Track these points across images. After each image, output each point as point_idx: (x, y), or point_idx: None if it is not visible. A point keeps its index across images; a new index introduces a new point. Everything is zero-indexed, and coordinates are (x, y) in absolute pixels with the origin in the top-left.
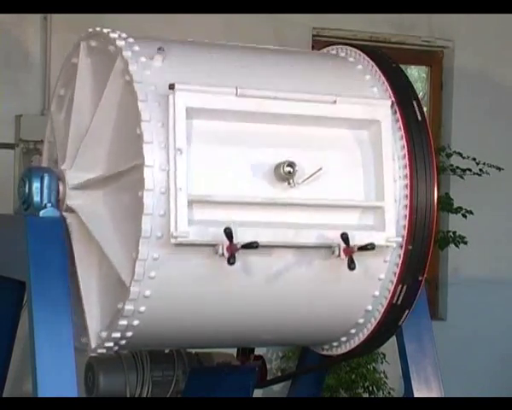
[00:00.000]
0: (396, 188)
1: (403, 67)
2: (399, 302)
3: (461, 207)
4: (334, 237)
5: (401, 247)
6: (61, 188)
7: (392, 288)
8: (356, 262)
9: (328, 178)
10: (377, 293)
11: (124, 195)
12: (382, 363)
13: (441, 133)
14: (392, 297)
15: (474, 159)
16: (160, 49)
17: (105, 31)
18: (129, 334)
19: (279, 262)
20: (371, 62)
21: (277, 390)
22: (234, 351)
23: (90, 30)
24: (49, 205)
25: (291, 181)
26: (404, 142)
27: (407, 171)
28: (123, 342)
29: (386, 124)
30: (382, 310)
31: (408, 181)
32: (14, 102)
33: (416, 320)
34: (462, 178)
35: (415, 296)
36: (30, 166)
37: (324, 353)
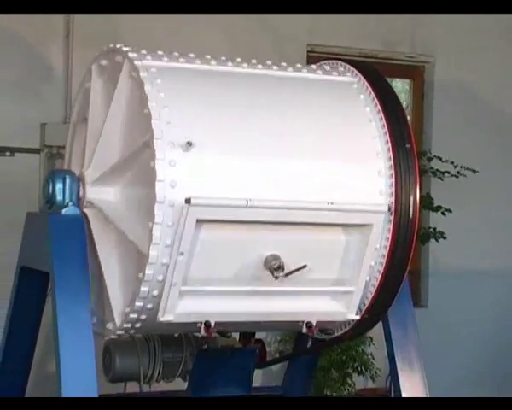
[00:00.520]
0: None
1: (388, 79)
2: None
3: (440, 206)
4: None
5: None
6: (81, 188)
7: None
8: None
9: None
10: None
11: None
12: (370, 346)
13: (423, 139)
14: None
15: (452, 162)
16: (188, 143)
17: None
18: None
19: None
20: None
21: (276, 370)
22: (236, 335)
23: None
24: (70, 204)
25: (276, 275)
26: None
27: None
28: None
29: (377, 229)
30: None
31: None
32: (40, 111)
33: (400, 307)
34: (441, 179)
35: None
36: (53, 169)
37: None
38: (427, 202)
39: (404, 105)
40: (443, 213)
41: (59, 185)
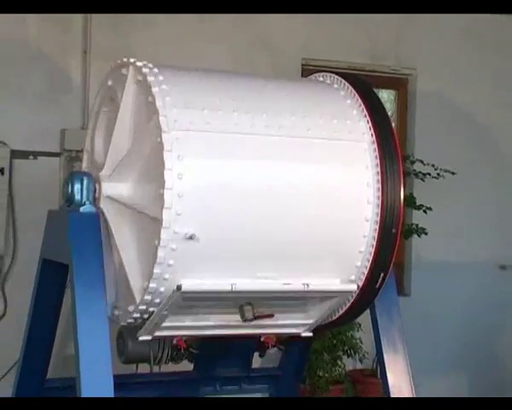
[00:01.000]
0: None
1: (375, 90)
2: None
3: (422, 205)
4: None
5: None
6: (97, 188)
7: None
8: None
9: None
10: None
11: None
12: (358, 331)
13: (406, 144)
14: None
15: (433, 165)
16: (191, 237)
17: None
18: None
19: None
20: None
21: (273, 353)
22: None
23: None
24: (87, 202)
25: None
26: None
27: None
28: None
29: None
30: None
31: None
32: (60, 118)
33: (386, 296)
34: (423, 180)
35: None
36: (72, 171)
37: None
38: (410, 201)
39: (390, 113)
40: (424, 211)
41: (77, 186)
